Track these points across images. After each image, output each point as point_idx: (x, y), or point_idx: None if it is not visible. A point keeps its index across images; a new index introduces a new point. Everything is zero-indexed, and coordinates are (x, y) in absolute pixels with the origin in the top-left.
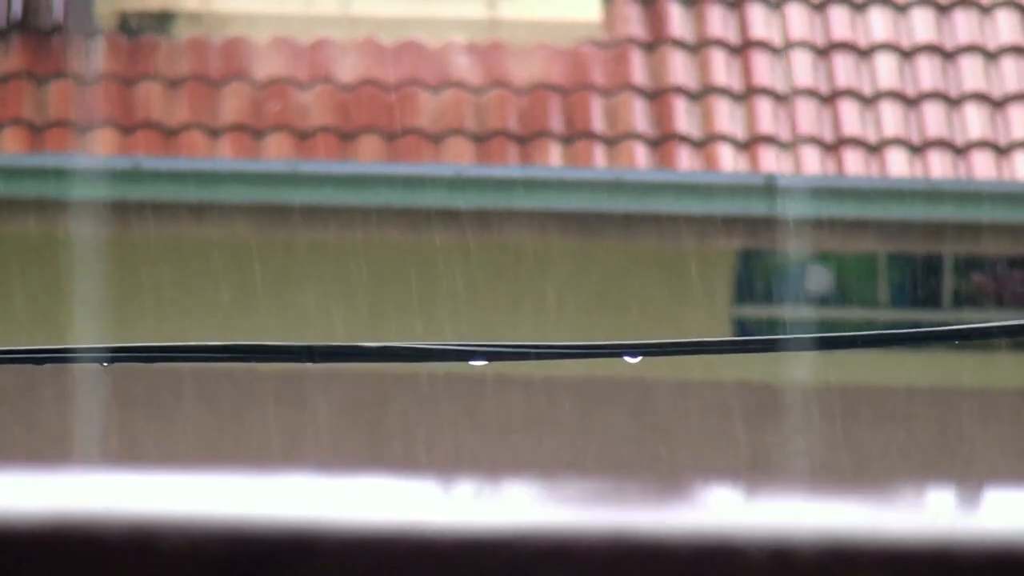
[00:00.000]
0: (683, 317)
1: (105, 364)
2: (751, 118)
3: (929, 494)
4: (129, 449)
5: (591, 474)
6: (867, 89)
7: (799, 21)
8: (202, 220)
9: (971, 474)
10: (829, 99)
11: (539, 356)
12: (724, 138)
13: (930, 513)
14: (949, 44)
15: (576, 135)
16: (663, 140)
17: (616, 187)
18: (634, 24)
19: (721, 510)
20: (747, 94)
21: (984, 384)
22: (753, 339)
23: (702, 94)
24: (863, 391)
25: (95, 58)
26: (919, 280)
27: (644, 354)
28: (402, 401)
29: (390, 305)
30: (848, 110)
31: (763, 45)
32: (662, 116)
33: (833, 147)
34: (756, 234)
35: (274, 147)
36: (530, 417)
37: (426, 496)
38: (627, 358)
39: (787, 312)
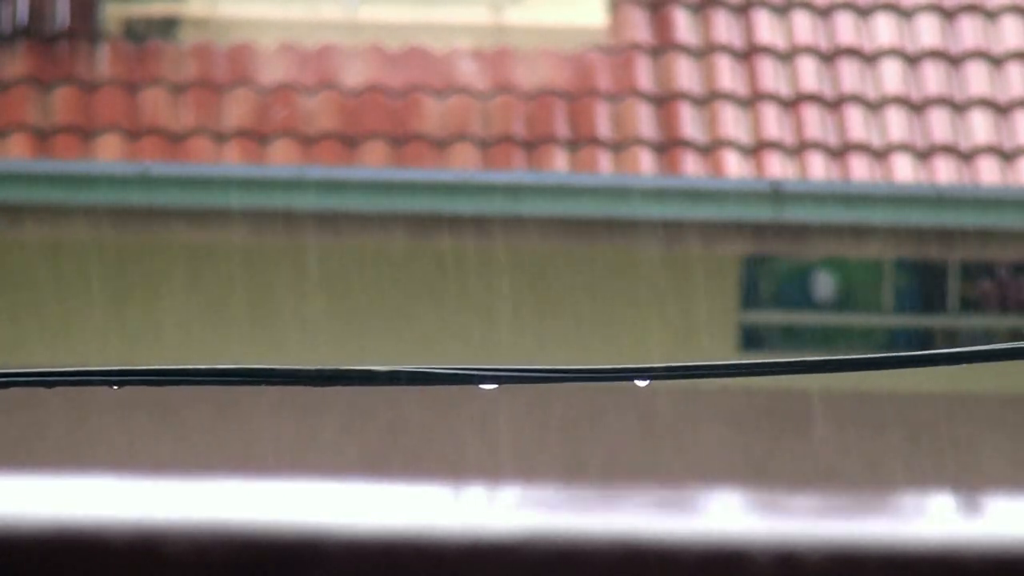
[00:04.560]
0: (689, 323)
1: (115, 387)
2: (757, 124)
3: (934, 501)
4: (135, 455)
5: (597, 480)
6: (873, 95)
7: (805, 27)
8: (208, 225)
9: (976, 481)
10: (835, 105)
11: (550, 380)
12: (730, 144)
13: (935, 520)
14: (955, 50)
15: (582, 141)
16: (669, 146)
17: (622, 193)
18: (640, 30)
19: (728, 517)
20: (753, 100)
21: (990, 391)
22: (758, 363)
23: (708, 100)
24: (869, 397)
25: (101, 64)
26: (925, 285)
27: (653, 377)
28: (407, 407)
29: (395, 310)
30: (854, 116)
31: (769, 51)
32: (668, 122)
33: (839, 153)
34: (762, 240)
35: (280, 152)
36: (536, 423)
37: (432, 502)
38: (637, 382)
39: (793, 317)
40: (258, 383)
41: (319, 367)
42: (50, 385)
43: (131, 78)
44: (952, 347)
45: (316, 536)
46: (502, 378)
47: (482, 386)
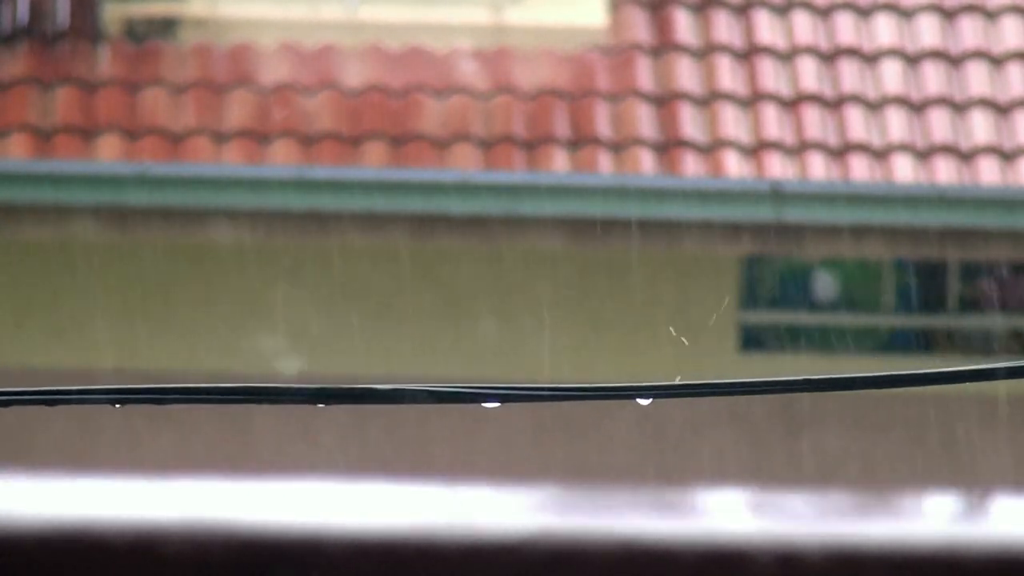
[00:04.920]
0: (689, 323)
1: (116, 406)
2: (757, 124)
3: (934, 501)
4: (135, 455)
5: (597, 481)
6: (873, 95)
7: (805, 27)
8: (208, 226)
9: (976, 481)
10: (835, 105)
11: (554, 398)
12: (730, 144)
13: (935, 520)
14: (955, 50)
15: (582, 141)
16: (669, 146)
17: (622, 193)
18: (640, 30)
19: (728, 517)
20: (753, 100)
21: (990, 391)
22: (761, 381)
23: (708, 100)
24: (868, 397)
25: (101, 64)
26: (925, 285)
27: (657, 396)
28: (408, 407)
29: (395, 311)
30: (854, 116)
31: (769, 51)
32: (668, 122)
33: (839, 153)
34: (762, 240)
35: (280, 153)
36: (536, 424)
37: (432, 502)
38: (639, 400)
39: (793, 318)
40: (259, 401)
41: (320, 385)
42: (51, 403)
43: (131, 78)
44: (953, 366)
45: (316, 536)
46: (506, 396)
47: (485, 405)
